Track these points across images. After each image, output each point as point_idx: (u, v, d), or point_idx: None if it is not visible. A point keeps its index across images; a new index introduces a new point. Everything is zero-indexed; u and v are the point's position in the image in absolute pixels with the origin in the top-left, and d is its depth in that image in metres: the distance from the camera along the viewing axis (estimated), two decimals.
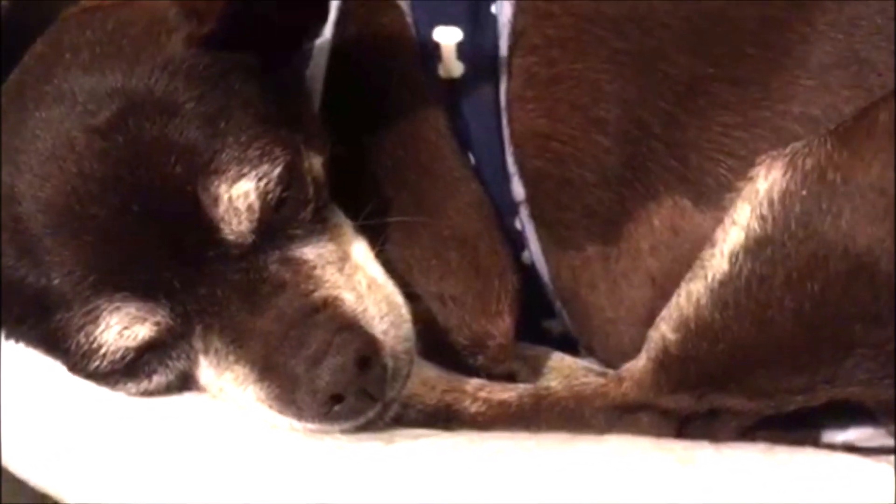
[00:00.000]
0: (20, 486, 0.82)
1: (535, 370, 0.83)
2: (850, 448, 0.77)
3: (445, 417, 0.75)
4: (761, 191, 0.66)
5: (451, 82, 0.84)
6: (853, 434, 0.79)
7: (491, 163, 0.83)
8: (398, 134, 0.82)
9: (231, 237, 0.65)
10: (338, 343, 0.64)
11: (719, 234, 0.69)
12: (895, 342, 0.62)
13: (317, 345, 0.64)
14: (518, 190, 0.83)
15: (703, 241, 0.72)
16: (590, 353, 0.87)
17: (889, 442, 0.78)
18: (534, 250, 0.84)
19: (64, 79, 0.68)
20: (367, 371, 0.64)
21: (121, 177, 0.64)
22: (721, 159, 0.74)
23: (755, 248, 0.66)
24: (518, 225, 0.83)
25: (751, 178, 0.68)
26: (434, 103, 0.83)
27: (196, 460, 0.69)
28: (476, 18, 0.84)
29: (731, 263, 0.67)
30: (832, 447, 0.73)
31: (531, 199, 0.82)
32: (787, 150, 0.66)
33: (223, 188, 0.65)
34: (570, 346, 0.88)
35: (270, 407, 0.66)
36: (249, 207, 0.65)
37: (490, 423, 0.76)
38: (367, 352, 0.65)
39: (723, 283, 0.67)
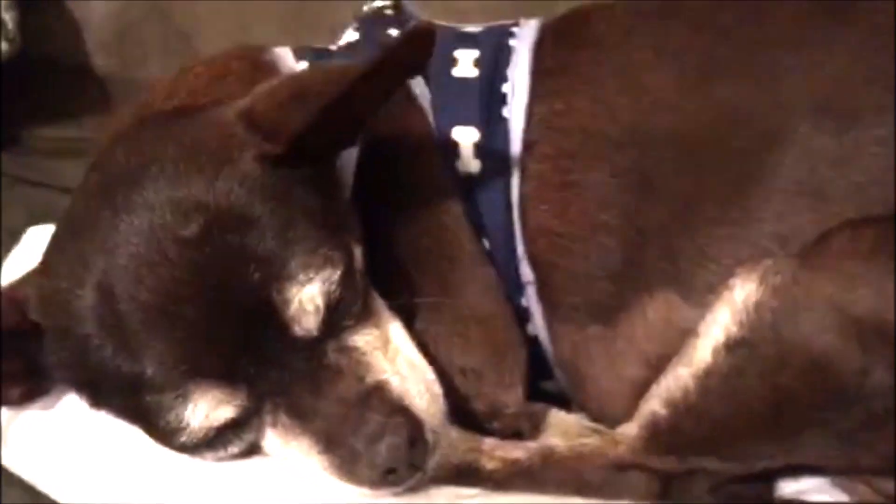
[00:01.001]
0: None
1: (537, 426, 0.93)
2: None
3: (467, 474, 0.84)
4: (738, 299, 0.77)
5: (469, 177, 0.93)
6: (804, 484, 0.93)
7: (503, 249, 0.92)
8: (421, 223, 0.91)
9: (299, 332, 0.74)
10: (392, 425, 0.73)
11: (703, 329, 0.79)
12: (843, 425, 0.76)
13: (374, 426, 0.73)
14: (526, 273, 0.92)
15: (690, 331, 0.82)
16: (582, 410, 0.99)
17: (831, 491, 0.92)
18: (538, 325, 0.93)
19: (153, 191, 0.74)
20: (415, 447, 0.75)
21: (207, 282, 0.72)
22: (706, 265, 0.84)
23: (733, 346, 0.77)
24: (524, 302, 0.93)
25: (730, 287, 0.78)
26: (453, 196, 0.92)
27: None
28: (489, 121, 0.93)
29: (714, 356, 0.78)
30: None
31: (539, 283, 0.92)
32: (761, 266, 0.77)
33: (293, 292, 0.73)
34: (563, 402, 0.99)
35: (332, 474, 0.76)
36: (316, 308, 0.74)
37: (504, 479, 0.86)
38: (416, 433, 0.75)
39: (706, 372, 0.78)
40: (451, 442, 0.85)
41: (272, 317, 0.73)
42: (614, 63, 0.92)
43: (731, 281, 0.78)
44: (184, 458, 0.79)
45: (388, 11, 1.07)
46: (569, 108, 0.92)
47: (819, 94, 0.85)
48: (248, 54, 1.00)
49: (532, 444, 0.89)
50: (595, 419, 0.95)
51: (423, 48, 0.78)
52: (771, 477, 0.88)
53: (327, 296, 0.75)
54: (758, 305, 0.76)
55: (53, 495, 0.86)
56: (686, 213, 0.86)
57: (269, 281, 0.73)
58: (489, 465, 0.86)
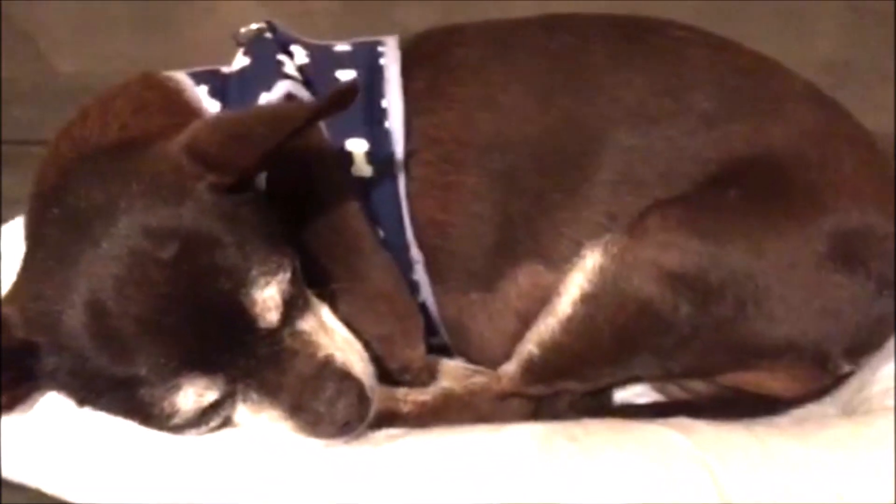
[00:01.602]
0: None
1: (433, 374, 1.14)
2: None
3: (390, 418, 1.03)
4: (588, 266, 1.01)
5: (363, 180, 1.10)
6: (630, 391, 1.20)
7: (395, 236, 1.11)
8: (328, 221, 1.07)
9: (263, 325, 0.90)
10: (344, 389, 0.92)
11: (562, 288, 1.03)
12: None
13: (331, 391, 0.91)
14: (415, 254, 1.12)
15: (551, 291, 1.06)
16: (464, 357, 1.20)
17: (650, 394, 1.22)
18: (426, 294, 1.14)
19: (128, 222, 0.86)
20: (361, 403, 0.94)
21: (185, 294, 0.86)
22: (560, 240, 1.07)
23: (586, 299, 1.01)
24: (415, 277, 1.13)
25: (582, 256, 1.03)
26: (352, 196, 1.08)
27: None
28: (375, 132, 1.11)
29: (573, 308, 1.01)
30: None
31: (427, 262, 1.12)
32: (602, 240, 1.01)
33: (257, 295, 0.88)
34: (446, 352, 1.21)
35: (298, 434, 0.92)
36: (276, 305, 0.90)
37: (418, 418, 1.06)
38: (361, 393, 0.94)
39: (568, 319, 1.02)
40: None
41: (241, 316, 0.88)
42: (475, 85, 1.13)
43: (583, 252, 1.03)
44: (165, 436, 0.95)
45: (267, 34, 1.22)
46: (442, 122, 1.12)
47: (628, 105, 1.10)
48: (155, 83, 1.12)
49: (434, 389, 1.12)
50: (475, 363, 1.19)
51: (348, 100, 0.95)
52: (609, 389, 1.16)
53: (282, 294, 0.91)
54: (602, 269, 1.01)
55: (59, 493, 0.97)
56: (541, 201, 1.10)
57: (237, 288, 0.88)
58: (405, 409, 1.07)
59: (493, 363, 1.15)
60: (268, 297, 0.90)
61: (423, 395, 1.10)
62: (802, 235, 1.02)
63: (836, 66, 1.29)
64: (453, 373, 1.17)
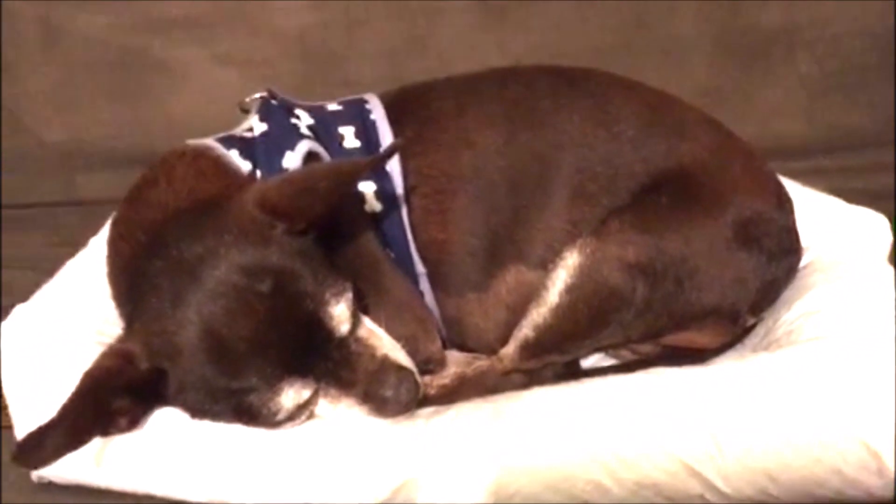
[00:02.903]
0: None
1: (443, 363, 1.36)
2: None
3: (421, 400, 1.22)
4: (568, 262, 1.24)
5: (375, 214, 1.31)
6: (591, 359, 1.46)
7: (403, 256, 1.33)
8: (352, 249, 1.28)
9: (337, 335, 1.11)
10: (404, 377, 1.15)
11: (549, 283, 1.26)
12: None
13: (394, 380, 1.13)
14: (419, 268, 1.35)
15: (533, 287, 1.29)
16: (457, 348, 1.44)
17: (606, 359, 1.49)
18: (429, 301, 1.37)
19: (227, 264, 1.04)
20: (416, 387, 1.18)
21: (280, 317, 1.05)
22: (536, 245, 1.32)
23: (568, 289, 1.23)
24: (421, 287, 1.38)
25: (564, 257, 1.24)
26: (369, 228, 1.30)
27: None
28: (379, 176, 1.32)
29: (559, 297, 1.24)
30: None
31: (430, 274, 1.35)
32: (578, 243, 1.25)
33: (332, 310, 1.09)
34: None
35: (370, 415, 1.14)
36: (346, 318, 1.11)
37: (441, 397, 1.27)
38: (414, 379, 1.16)
39: (555, 307, 1.24)
40: None
41: (321, 329, 1.09)
42: (454, 130, 1.37)
43: (564, 253, 1.27)
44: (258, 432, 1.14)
45: (273, 101, 1.42)
46: (432, 162, 1.35)
47: (572, 136, 1.36)
48: (201, 151, 1.30)
49: (451, 373, 1.36)
50: (471, 352, 1.43)
51: (391, 155, 1.18)
52: (578, 359, 1.43)
53: (349, 309, 1.13)
54: (580, 265, 1.25)
55: (165, 494, 1.14)
56: (517, 216, 1.34)
57: (317, 308, 1.09)
58: (432, 391, 1.30)
59: (488, 348, 1.39)
60: (340, 312, 1.11)
61: (444, 379, 1.33)
62: (714, 225, 1.30)
63: (709, 91, 1.60)
64: (457, 360, 1.41)
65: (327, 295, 1.10)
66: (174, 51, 1.79)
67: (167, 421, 1.15)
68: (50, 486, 1.21)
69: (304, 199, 1.12)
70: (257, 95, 1.42)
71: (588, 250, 1.26)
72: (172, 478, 1.16)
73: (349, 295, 1.13)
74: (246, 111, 1.43)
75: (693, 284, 1.28)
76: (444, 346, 1.43)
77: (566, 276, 1.27)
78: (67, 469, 1.16)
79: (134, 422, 1.12)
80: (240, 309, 1.05)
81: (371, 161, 1.18)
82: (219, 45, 1.79)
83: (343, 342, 1.13)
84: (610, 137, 1.37)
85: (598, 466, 1.10)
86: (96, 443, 1.11)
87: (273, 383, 1.07)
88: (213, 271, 1.06)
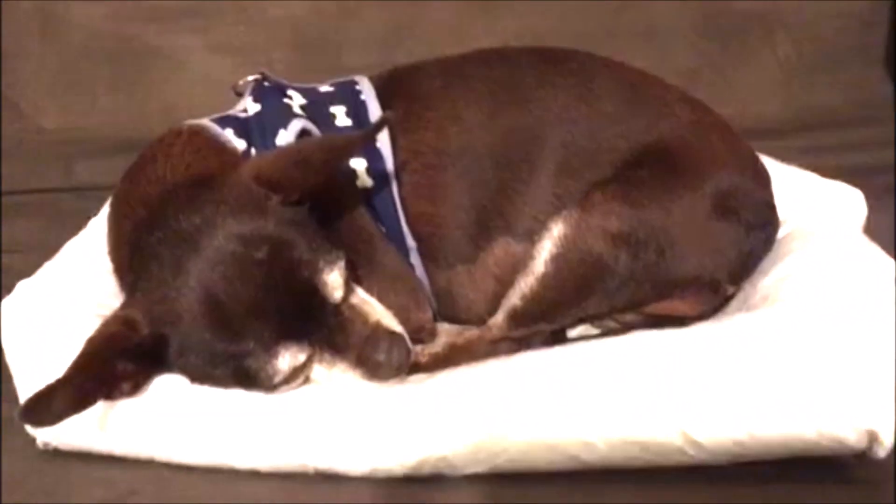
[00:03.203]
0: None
1: (434, 334, 1.41)
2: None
3: (412, 368, 1.25)
4: (554, 233, 1.28)
5: (366, 189, 1.35)
6: (577, 329, 1.52)
7: (394, 230, 1.38)
8: (345, 223, 1.32)
9: (331, 301, 1.15)
10: (396, 341, 1.19)
11: (536, 253, 1.30)
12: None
13: (386, 344, 1.17)
14: (410, 242, 1.39)
15: (520, 258, 1.33)
16: (447, 321, 1.49)
17: (591, 329, 1.54)
18: (420, 274, 1.41)
19: (225, 233, 1.08)
20: (408, 352, 1.22)
21: (277, 282, 1.09)
22: (522, 218, 1.36)
23: (554, 258, 1.27)
24: (412, 260, 1.43)
25: (549, 228, 1.28)
26: (360, 203, 1.35)
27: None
28: (370, 152, 1.36)
29: (545, 266, 1.27)
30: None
31: (420, 247, 1.40)
32: (562, 215, 1.29)
33: (326, 277, 1.13)
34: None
35: (363, 379, 1.18)
36: (340, 285, 1.15)
37: (432, 364, 1.32)
38: (406, 344, 1.21)
39: (542, 275, 1.28)
40: None
41: (316, 295, 1.13)
42: (442, 108, 1.41)
43: (549, 225, 1.31)
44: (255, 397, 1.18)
45: (266, 83, 1.46)
46: (421, 139, 1.40)
47: (555, 112, 1.40)
48: (197, 130, 1.34)
49: (441, 342, 1.40)
50: (461, 323, 1.47)
51: (381, 129, 1.22)
52: (564, 329, 1.47)
53: (342, 277, 1.17)
54: (564, 236, 1.29)
55: (168, 458, 1.17)
56: (504, 190, 1.39)
57: (312, 274, 1.13)
58: (422, 360, 1.34)
59: (478, 318, 1.43)
60: (334, 279, 1.15)
61: (435, 348, 1.38)
62: (693, 197, 1.34)
63: (689, 73, 1.65)
64: (448, 332, 1.45)
65: (321, 263, 1.14)
66: (170, 39, 1.83)
67: (170, 386, 1.18)
68: (55, 454, 1.23)
69: (297, 171, 1.17)
70: (250, 78, 1.46)
71: (572, 221, 1.30)
72: (175, 442, 1.19)
73: (342, 263, 1.17)
74: (240, 94, 1.46)
75: (674, 254, 1.32)
76: (436, 319, 1.47)
77: (551, 246, 1.30)
78: (72, 434, 1.20)
79: (137, 387, 1.16)
80: (238, 275, 1.09)
81: (363, 134, 1.22)
82: (214, 34, 1.83)
83: (337, 309, 1.17)
84: (592, 113, 1.42)
85: (585, 424, 1.13)
86: (99, 408, 1.15)
87: (270, 346, 1.11)
88: (212, 240, 1.10)
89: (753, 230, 1.38)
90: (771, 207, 1.45)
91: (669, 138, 1.40)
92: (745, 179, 1.40)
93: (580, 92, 1.43)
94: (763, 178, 1.46)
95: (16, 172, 1.82)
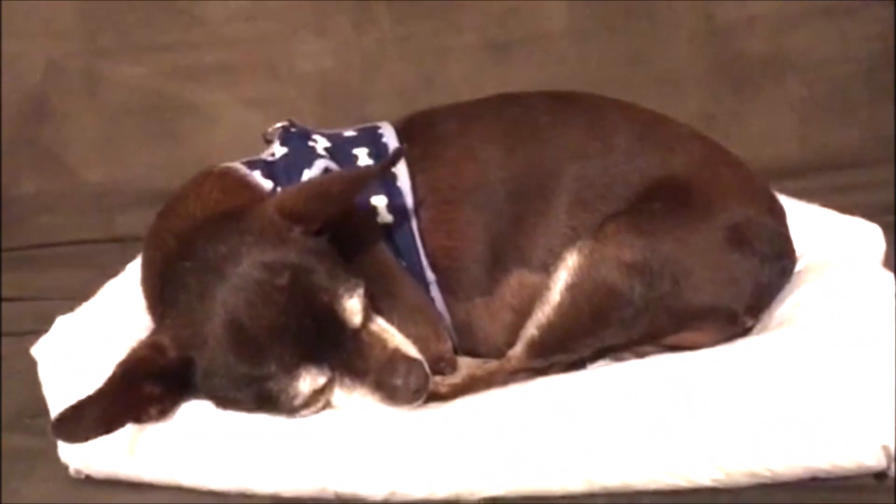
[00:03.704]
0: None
1: (454, 368, 1.41)
2: None
3: (431, 397, 1.26)
4: (569, 264, 1.29)
5: (386, 225, 1.38)
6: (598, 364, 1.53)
7: (414, 264, 1.40)
8: (366, 257, 1.35)
9: (350, 326, 1.18)
10: (414, 366, 1.20)
11: (552, 284, 1.31)
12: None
13: (404, 369, 1.18)
14: (430, 275, 1.41)
15: (537, 289, 1.34)
16: (468, 354, 1.49)
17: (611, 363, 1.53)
18: (440, 306, 1.44)
19: (249, 261, 1.12)
20: (426, 377, 1.24)
21: (298, 308, 1.12)
22: (537, 250, 1.38)
23: (569, 288, 1.28)
24: (431, 294, 1.45)
25: (564, 259, 1.29)
26: (381, 238, 1.38)
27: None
28: (390, 190, 1.41)
29: (561, 296, 1.29)
30: None
31: (439, 280, 1.42)
32: (577, 245, 1.31)
33: (346, 304, 1.16)
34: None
35: (382, 403, 1.19)
36: (359, 311, 1.17)
37: (451, 394, 1.32)
38: (424, 369, 1.22)
39: (558, 305, 1.29)
40: None
41: (335, 320, 1.16)
42: (458, 147, 1.46)
43: (564, 255, 1.33)
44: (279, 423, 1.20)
45: (292, 129, 1.52)
46: (438, 176, 1.43)
47: (570, 148, 1.43)
48: (227, 171, 1.40)
49: (462, 374, 1.41)
50: (480, 356, 1.48)
51: (397, 161, 1.27)
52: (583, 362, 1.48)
53: (361, 303, 1.19)
54: (579, 266, 1.30)
55: (194, 483, 1.19)
56: (519, 223, 1.41)
57: (332, 300, 1.16)
58: (443, 390, 1.35)
59: (496, 351, 1.44)
60: (353, 305, 1.18)
61: (454, 378, 1.39)
62: (706, 228, 1.35)
63: (703, 117, 1.68)
64: (468, 364, 1.46)
65: (341, 290, 1.18)
66: (204, 95, 1.91)
67: (196, 412, 1.21)
68: (86, 482, 1.26)
69: (318, 203, 1.21)
70: (278, 125, 1.52)
71: (586, 251, 1.32)
72: (200, 467, 1.21)
73: (361, 291, 1.20)
74: (269, 141, 1.52)
75: (688, 284, 1.33)
76: (456, 353, 1.49)
77: (567, 276, 1.32)
78: (101, 459, 1.23)
79: (164, 411, 1.19)
80: (260, 300, 1.13)
81: (380, 166, 1.26)
82: (245, 89, 1.92)
83: (356, 334, 1.20)
84: (605, 149, 1.45)
85: (601, 449, 1.14)
86: (128, 433, 1.19)
87: (291, 369, 1.13)
88: (236, 268, 1.14)
89: (769, 261, 1.39)
90: (786, 239, 1.46)
91: (682, 172, 1.43)
92: (758, 212, 1.42)
93: (593, 129, 1.47)
94: (777, 212, 1.48)
95: (59, 224, 1.89)
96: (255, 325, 1.12)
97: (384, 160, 1.26)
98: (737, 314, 1.39)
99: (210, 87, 1.92)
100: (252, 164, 1.43)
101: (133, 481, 1.24)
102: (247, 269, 1.14)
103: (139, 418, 1.16)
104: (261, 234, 1.18)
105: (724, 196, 1.41)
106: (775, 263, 1.41)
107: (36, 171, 1.97)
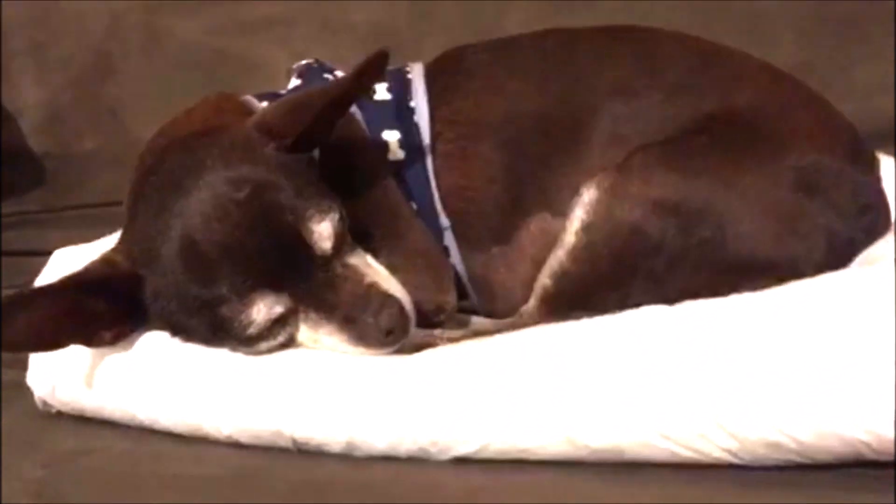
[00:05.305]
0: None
1: (462, 324, 1.29)
2: None
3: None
4: (585, 200, 1.13)
5: (397, 162, 1.26)
6: None
7: (426, 207, 1.27)
8: (371, 195, 1.23)
9: (319, 253, 1.06)
10: (388, 302, 1.07)
11: (567, 224, 1.15)
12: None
13: (377, 304, 1.06)
14: (444, 221, 1.27)
15: (558, 235, 1.18)
16: (489, 315, 1.32)
17: None
18: (455, 258, 1.28)
19: (211, 174, 1.03)
20: (402, 316, 1.09)
21: (257, 226, 1.02)
22: (563, 191, 1.21)
23: (586, 228, 1.12)
24: (445, 242, 1.29)
25: (581, 194, 1.13)
26: (389, 176, 1.25)
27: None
28: (406, 125, 1.29)
29: (576, 237, 1.12)
30: None
31: (454, 226, 1.27)
32: (596, 178, 1.14)
33: (313, 226, 1.05)
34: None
35: (349, 344, 1.07)
36: (329, 236, 1.06)
37: None
38: (401, 307, 1.08)
39: (573, 248, 1.13)
40: (414, 333, 1.15)
41: (301, 244, 1.05)
42: (484, 80, 1.31)
43: (581, 190, 1.16)
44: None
45: (315, 65, 1.43)
46: (459, 109, 1.30)
47: (611, 82, 1.27)
48: (228, 97, 1.32)
49: (465, 329, 1.25)
50: (500, 318, 1.31)
51: (379, 67, 1.14)
52: None
53: (334, 228, 1.07)
54: (597, 201, 1.13)
55: (150, 419, 1.12)
56: (544, 162, 1.26)
57: (297, 221, 1.05)
58: (441, 344, 1.21)
59: (515, 311, 1.28)
60: (322, 229, 1.06)
61: (456, 333, 1.23)
62: (768, 169, 1.15)
63: (798, 67, 1.44)
64: (482, 323, 1.30)
65: (311, 210, 1.06)
66: (258, 50, 1.87)
67: (155, 344, 1.13)
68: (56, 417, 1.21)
69: (294, 115, 1.11)
70: (304, 62, 1.43)
71: (606, 184, 1.15)
72: (157, 404, 1.12)
73: (336, 216, 1.08)
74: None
75: (737, 232, 1.13)
76: (476, 313, 1.33)
77: (582, 213, 1.15)
78: (65, 389, 1.17)
79: (118, 336, 1.12)
80: (214, 215, 1.03)
81: (357, 71, 1.13)
82: (298, 44, 1.86)
83: (328, 264, 1.08)
84: (653, 84, 1.27)
85: (591, 408, 0.96)
86: (88, 363, 1.14)
87: (243, 294, 1.03)
88: (197, 180, 1.06)
89: (848, 215, 1.17)
90: (876, 191, 1.22)
91: (743, 106, 1.23)
92: (837, 157, 1.20)
93: (642, 62, 1.29)
94: (865, 160, 1.24)
95: (118, 183, 1.88)
96: (206, 241, 1.03)
97: (359, 63, 1.13)
98: (803, 275, 1.15)
99: (263, 41, 1.87)
100: (262, 96, 1.35)
101: (95, 416, 1.16)
102: (207, 181, 1.05)
103: (90, 340, 1.09)
104: (230, 147, 1.09)
105: (792, 134, 1.20)
106: (859, 218, 1.18)
107: (96, 129, 1.98)
